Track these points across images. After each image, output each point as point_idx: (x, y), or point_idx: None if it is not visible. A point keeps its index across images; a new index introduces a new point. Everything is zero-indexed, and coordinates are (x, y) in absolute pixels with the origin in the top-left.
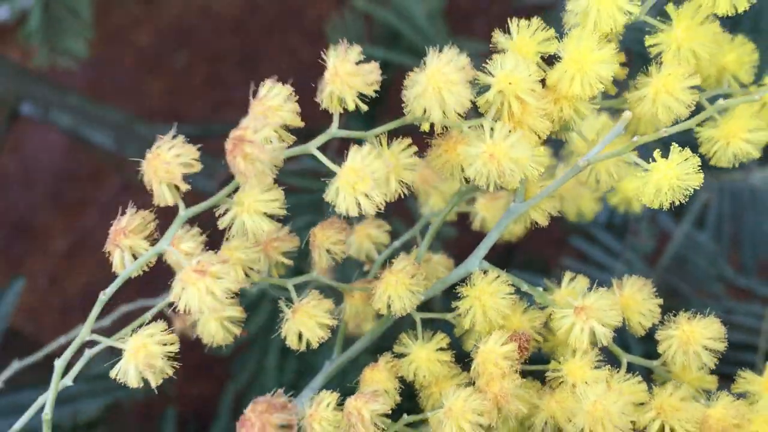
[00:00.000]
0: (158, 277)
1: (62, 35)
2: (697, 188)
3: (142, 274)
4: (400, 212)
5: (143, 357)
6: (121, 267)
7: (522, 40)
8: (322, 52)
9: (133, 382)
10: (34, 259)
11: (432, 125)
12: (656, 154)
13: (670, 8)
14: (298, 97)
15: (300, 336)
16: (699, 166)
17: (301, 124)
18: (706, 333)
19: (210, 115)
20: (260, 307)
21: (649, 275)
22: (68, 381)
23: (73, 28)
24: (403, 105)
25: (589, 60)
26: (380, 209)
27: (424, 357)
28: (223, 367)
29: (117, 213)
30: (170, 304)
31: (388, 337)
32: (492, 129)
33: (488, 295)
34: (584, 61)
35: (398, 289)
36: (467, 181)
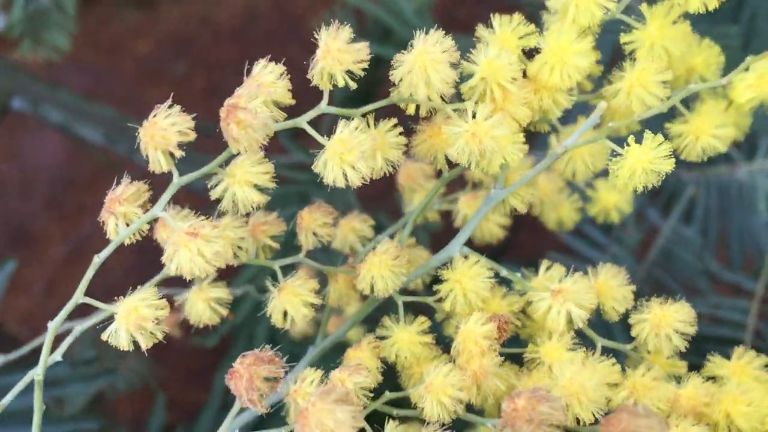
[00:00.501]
0: None
1: (46, 27)
2: (669, 172)
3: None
4: (387, 209)
5: (134, 319)
6: (115, 234)
7: (504, 33)
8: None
9: (124, 344)
10: (31, 265)
11: (417, 109)
12: (630, 139)
13: (644, 7)
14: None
15: (285, 315)
16: (671, 152)
17: (292, 102)
18: (677, 316)
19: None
20: (244, 302)
21: (636, 269)
22: (57, 356)
23: (57, 21)
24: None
25: (568, 51)
26: (365, 181)
27: (405, 339)
28: (214, 375)
29: None
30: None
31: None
32: (474, 111)
33: (468, 278)
34: (563, 53)
35: (381, 269)
36: (450, 164)
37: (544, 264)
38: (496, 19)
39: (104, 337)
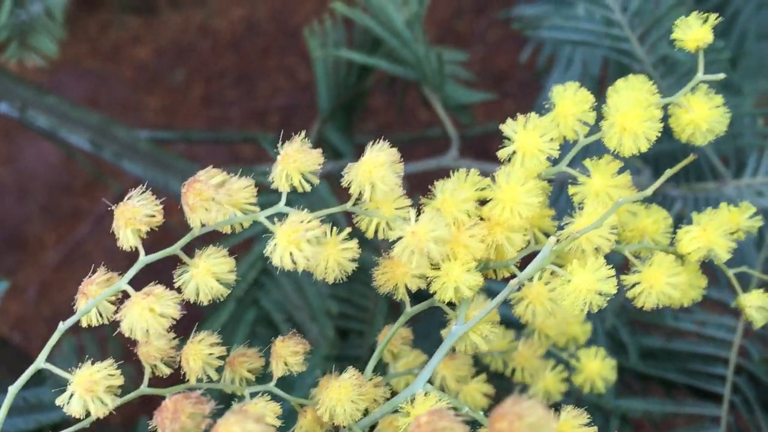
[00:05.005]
0: None
1: (33, 32)
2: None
3: None
4: None
5: (87, 384)
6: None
7: (461, 184)
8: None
9: (76, 410)
10: (25, 270)
11: (376, 231)
12: (574, 262)
13: (587, 161)
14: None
15: None
16: (613, 275)
17: (256, 209)
18: None
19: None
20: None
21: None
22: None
23: (45, 27)
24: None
25: (517, 190)
26: (314, 274)
27: None
28: None
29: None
30: None
31: None
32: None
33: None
34: (513, 191)
35: (341, 394)
36: (410, 295)
37: None
38: (455, 175)
39: (59, 402)
